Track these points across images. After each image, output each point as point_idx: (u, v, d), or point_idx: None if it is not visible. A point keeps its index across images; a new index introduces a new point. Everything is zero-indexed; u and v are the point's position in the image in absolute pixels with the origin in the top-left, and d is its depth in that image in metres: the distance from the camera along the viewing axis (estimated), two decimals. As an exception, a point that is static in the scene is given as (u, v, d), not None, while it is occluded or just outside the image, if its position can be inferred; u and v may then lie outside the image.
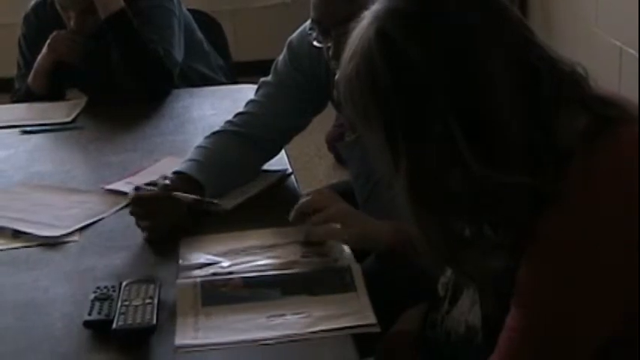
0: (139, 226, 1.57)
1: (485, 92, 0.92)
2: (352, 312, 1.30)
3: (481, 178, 0.92)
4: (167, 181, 1.56)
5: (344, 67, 0.99)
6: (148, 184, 1.58)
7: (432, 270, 1.17)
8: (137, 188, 1.57)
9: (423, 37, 0.93)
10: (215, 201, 1.55)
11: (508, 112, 0.92)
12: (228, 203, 1.64)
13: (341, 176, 3.01)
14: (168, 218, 1.54)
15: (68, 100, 2.40)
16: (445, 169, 0.94)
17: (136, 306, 1.31)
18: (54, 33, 2.30)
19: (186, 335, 1.27)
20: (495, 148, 0.93)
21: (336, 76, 1.49)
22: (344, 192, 1.61)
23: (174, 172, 1.62)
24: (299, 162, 3.35)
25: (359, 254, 1.46)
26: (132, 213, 1.56)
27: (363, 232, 1.41)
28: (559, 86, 0.94)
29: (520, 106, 0.93)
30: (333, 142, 3.34)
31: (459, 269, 1.06)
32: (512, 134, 0.92)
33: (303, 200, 1.47)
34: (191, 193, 1.56)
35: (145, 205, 1.55)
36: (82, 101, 2.34)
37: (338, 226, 1.44)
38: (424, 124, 0.94)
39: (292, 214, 1.48)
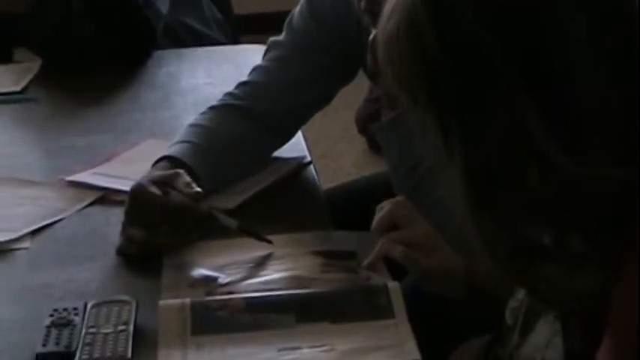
0: (126, 233, 1.55)
1: (564, 62, 0.94)
2: (389, 345, 1.31)
3: (563, 172, 0.94)
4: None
5: (383, 25, 1.00)
6: (156, 181, 1.54)
7: (500, 294, 1.18)
8: (145, 186, 1.53)
9: None
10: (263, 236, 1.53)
11: (596, 90, 0.95)
12: (230, 201, 1.66)
13: (375, 167, 3.01)
14: (172, 236, 1.54)
15: (17, 62, 2.40)
16: (514, 161, 0.95)
17: (106, 334, 1.31)
18: None
19: None
20: (580, 132, 0.94)
21: (371, 35, 1.49)
22: (381, 188, 1.61)
23: (161, 158, 1.63)
24: (320, 148, 3.36)
25: (398, 270, 1.46)
26: (127, 213, 1.55)
27: (443, 267, 1.40)
28: None
29: (610, 83, 0.95)
30: (366, 123, 3.35)
31: (534, 291, 1.06)
32: (602, 114, 0.94)
33: (380, 215, 1.46)
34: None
35: (153, 212, 1.53)
36: (35, 65, 2.34)
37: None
38: (484, 102, 0.95)
39: (372, 256, 1.44)
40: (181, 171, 1.58)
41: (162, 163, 1.63)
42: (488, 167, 0.96)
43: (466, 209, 0.98)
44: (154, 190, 1.53)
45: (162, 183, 1.55)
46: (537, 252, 0.98)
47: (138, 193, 1.55)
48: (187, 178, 1.56)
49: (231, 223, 1.53)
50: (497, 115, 0.94)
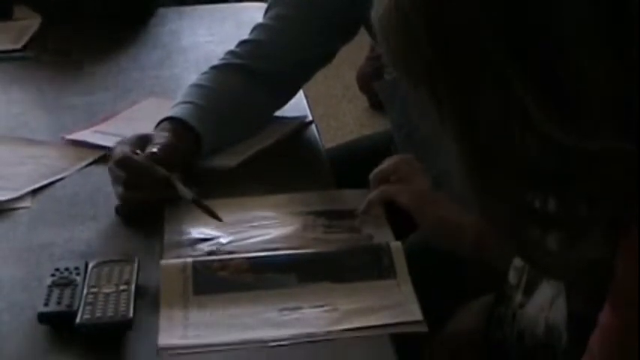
0: (114, 190, 1.57)
1: (555, 28, 0.91)
2: (391, 305, 1.31)
3: (560, 144, 0.92)
4: (154, 149, 1.55)
5: None
6: (141, 137, 1.57)
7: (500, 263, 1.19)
8: (121, 144, 1.57)
9: None
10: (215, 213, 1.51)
11: (588, 57, 0.92)
12: (231, 159, 1.67)
13: (377, 125, 3.01)
14: (146, 196, 1.55)
15: (16, 20, 2.37)
16: (511, 135, 0.94)
17: (107, 294, 1.31)
18: None
19: (173, 333, 1.28)
20: (573, 105, 0.92)
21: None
22: (383, 147, 1.60)
23: (164, 120, 1.63)
24: (322, 107, 3.36)
25: (400, 229, 1.47)
26: (109, 170, 1.56)
27: (452, 221, 1.40)
28: None
29: (605, 49, 0.92)
30: (368, 81, 3.33)
31: (535, 262, 1.04)
32: (595, 84, 0.92)
33: (382, 166, 1.47)
34: (187, 145, 1.57)
35: (120, 170, 1.54)
36: (35, 22, 2.32)
37: None
38: (475, 77, 0.94)
39: (366, 205, 1.45)
40: (157, 133, 1.58)
41: (164, 125, 1.62)
42: (485, 141, 0.95)
43: (465, 180, 0.98)
44: (122, 148, 1.55)
45: (138, 144, 1.56)
46: (540, 221, 0.98)
47: (113, 151, 1.57)
48: (162, 140, 1.56)
49: (187, 194, 1.51)
50: (489, 90, 0.93)
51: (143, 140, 1.58)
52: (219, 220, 1.50)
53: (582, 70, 0.91)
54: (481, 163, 0.97)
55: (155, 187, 1.53)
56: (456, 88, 0.95)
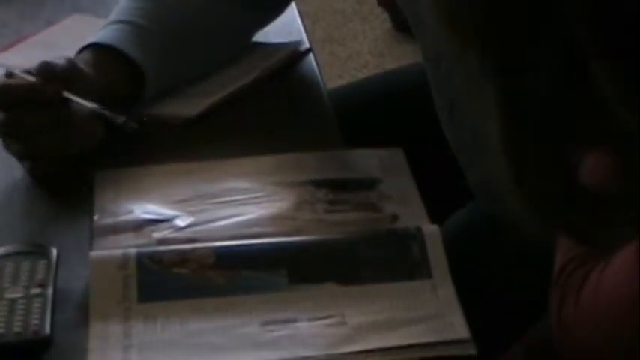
0: (7, 147, 1.59)
1: None
2: (424, 317, 1.32)
3: (621, 123, 1.00)
4: (58, 64, 1.57)
5: None
6: (28, 71, 1.58)
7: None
8: (9, 74, 1.59)
9: None
10: (124, 119, 1.56)
11: None
12: (191, 107, 1.69)
13: (403, 56, 2.99)
14: (56, 139, 1.56)
15: None
16: (565, 108, 1.03)
17: (13, 301, 1.31)
18: None
19: (109, 357, 1.29)
20: None
21: None
22: (412, 86, 1.58)
23: (89, 46, 1.64)
24: (324, 28, 3.35)
25: (439, 208, 1.49)
26: None
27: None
28: None
29: None
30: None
31: (567, 230, 1.13)
32: None
33: None
34: (120, 85, 1.59)
35: (18, 109, 1.56)
36: None
37: None
38: (531, 27, 1.01)
39: None
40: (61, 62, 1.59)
41: (86, 55, 1.64)
42: (532, 116, 1.05)
43: (500, 136, 1.07)
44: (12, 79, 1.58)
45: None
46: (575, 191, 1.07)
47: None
48: (60, 62, 1.58)
49: (87, 104, 1.55)
50: (546, 45, 1.01)
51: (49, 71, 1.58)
52: (137, 128, 1.53)
53: None
54: (521, 143, 1.06)
55: (44, 109, 1.54)
56: (510, 45, 1.03)
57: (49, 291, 1.32)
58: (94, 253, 1.39)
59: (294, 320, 1.32)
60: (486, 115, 1.09)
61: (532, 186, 1.11)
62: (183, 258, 1.39)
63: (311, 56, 1.81)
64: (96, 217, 1.48)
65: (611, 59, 1.01)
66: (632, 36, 1.01)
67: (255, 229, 1.45)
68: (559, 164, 1.09)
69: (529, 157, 1.10)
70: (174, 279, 1.37)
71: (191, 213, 1.48)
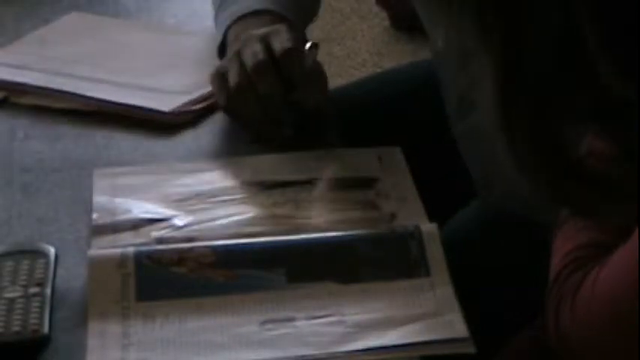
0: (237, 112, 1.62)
1: None
2: (422, 315, 1.32)
3: (617, 97, 1.04)
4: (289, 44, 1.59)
5: None
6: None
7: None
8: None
9: None
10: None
11: None
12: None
13: (401, 53, 2.99)
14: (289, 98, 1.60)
15: None
16: (563, 81, 1.07)
17: (12, 300, 1.31)
18: None
19: (107, 356, 1.29)
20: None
21: None
22: (412, 86, 1.59)
23: (244, 15, 1.67)
24: (322, 25, 3.34)
25: (438, 206, 1.48)
26: (239, 87, 1.60)
27: None
28: None
29: None
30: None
31: (576, 207, 1.18)
32: None
33: None
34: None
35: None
36: None
37: None
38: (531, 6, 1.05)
39: None
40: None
41: (253, 20, 1.66)
42: (528, 88, 1.08)
43: (496, 111, 1.10)
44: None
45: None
46: (574, 164, 1.11)
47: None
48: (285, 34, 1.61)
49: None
50: (547, 17, 1.05)
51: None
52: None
53: None
54: (521, 96, 1.09)
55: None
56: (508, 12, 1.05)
57: (48, 290, 1.32)
58: (93, 252, 1.40)
59: (293, 319, 1.32)
60: (484, 92, 1.10)
61: (530, 160, 1.13)
62: (181, 257, 1.39)
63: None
64: (94, 216, 1.48)
65: (607, 34, 1.03)
66: (628, 12, 1.02)
67: (254, 228, 1.46)
68: (557, 138, 1.11)
69: (527, 131, 1.11)
70: (172, 278, 1.37)
71: (190, 212, 1.49)
